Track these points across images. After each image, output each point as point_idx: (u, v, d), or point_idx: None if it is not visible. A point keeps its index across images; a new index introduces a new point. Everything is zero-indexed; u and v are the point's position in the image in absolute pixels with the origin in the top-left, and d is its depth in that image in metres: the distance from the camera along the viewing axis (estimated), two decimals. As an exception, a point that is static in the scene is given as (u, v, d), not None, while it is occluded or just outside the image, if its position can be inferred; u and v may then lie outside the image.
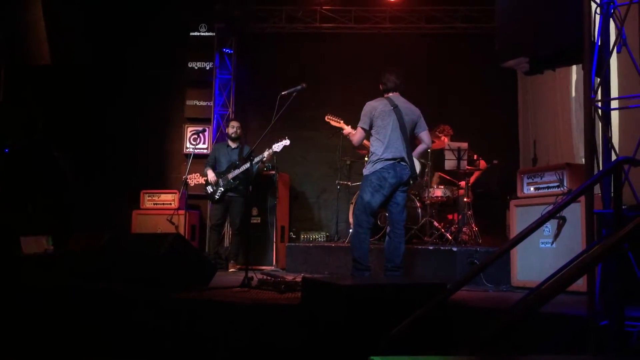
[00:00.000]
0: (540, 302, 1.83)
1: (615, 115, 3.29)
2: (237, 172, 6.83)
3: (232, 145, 7.16)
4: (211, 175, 6.98)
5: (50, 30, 6.34)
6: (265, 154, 6.70)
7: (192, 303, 3.89)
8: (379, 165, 4.98)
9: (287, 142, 6.73)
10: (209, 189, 6.96)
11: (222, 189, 6.89)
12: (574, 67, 6.27)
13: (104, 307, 3.98)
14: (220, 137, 8.90)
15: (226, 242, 7.85)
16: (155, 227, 7.78)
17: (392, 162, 4.97)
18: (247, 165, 6.70)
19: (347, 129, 5.64)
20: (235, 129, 7.17)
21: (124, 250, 4.86)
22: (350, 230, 5.43)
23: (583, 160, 6.92)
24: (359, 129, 5.15)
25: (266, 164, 7.28)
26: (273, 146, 6.65)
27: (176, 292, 4.15)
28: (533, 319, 3.10)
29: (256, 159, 6.64)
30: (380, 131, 5.04)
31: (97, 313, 3.96)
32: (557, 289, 1.77)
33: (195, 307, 3.84)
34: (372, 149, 5.10)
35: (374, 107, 5.10)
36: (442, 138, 7.23)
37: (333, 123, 6.02)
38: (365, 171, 5.10)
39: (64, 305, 4.12)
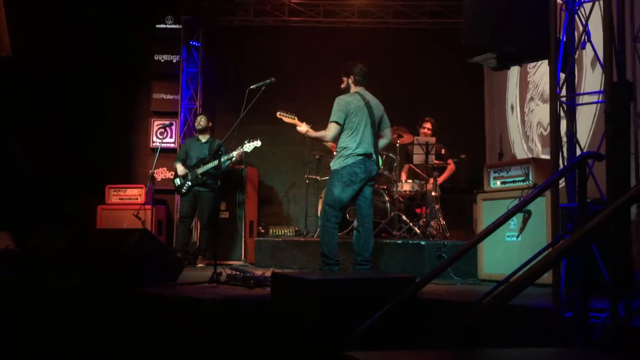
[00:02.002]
0: (509, 295, 1.85)
1: (580, 111, 3.35)
2: (205, 167, 6.76)
3: (203, 139, 7.09)
4: (180, 168, 6.92)
5: (11, 22, 6.16)
6: (235, 153, 6.63)
7: (159, 299, 3.84)
8: (350, 160, 4.97)
9: (258, 143, 6.68)
10: (177, 181, 6.92)
11: (190, 183, 6.83)
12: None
13: (66, 304, 3.90)
14: (187, 131, 8.81)
15: (195, 237, 7.78)
16: (121, 223, 7.66)
17: (362, 157, 4.98)
18: (216, 162, 6.65)
19: (303, 127, 5.41)
20: (198, 121, 7.10)
21: (89, 246, 4.76)
22: (319, 225, 5.42)
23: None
24: (333, 124, 5.05)
25: (234, 162, 7.17)
26: (244, 146, 6.55)
27: (142, 288, 4.09)
28: (500, 312, 3.14)
29: (224, 157, 6.58)
30: (353, 127, 5.02)
31: (60, 310, 3.88)
32: (525, 281, 1.80)
33: (162, 303, 3.79)
34: (342, 144, 5.06)
35: (349, 102, 5.07)
36: (425, 130, 7.22)
37: (286, 119, 5.77)
38: (335, 165, 5.08)
39: (25, 302, 4.03)
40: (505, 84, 8.05)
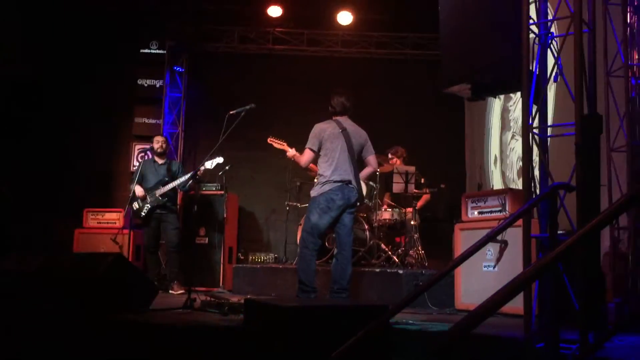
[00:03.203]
0: (473, 323, 1.84)
1: (551, 143, 3.40)
2: (165, 188, 6.63)
3: (160, 161, 6.92)
4: (139, 190, 6.65)
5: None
6: (200, 169, 6.46)
7: (129, 325, 3.77)
8: (327, 187, 4.99)
9: (220, 159, 6.57)
10: (135, 205, 6.68)
11: (149, 206, 6.65)
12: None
13: (35, 327, 3.82)
14: (169, 155, 8.77)
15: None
16: (99, 247, 7.54)
17: (340, 184, 4.99)
18: (177, 182, 6.57)
19: (291, 152, 5.51)
20: (160, 144, 6.91)
21: (61, 270, 4.68)
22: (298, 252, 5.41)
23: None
24: (307, 150, 5.14)
25: (200, 182, 7.02)
26: (205, 163, 6.41)
27: (113, 313, 4.02)
28: (472, 341, 3.13)
29: (187, 176, 6.44)
30: (328, 153, 5.06)
31: (28, 333, 3.80)
32: (489, 309, 1.79)
33: (132, 329, 3.72)
34: (320, 171, 5.10)
35: (323, 129, 5.12)
36: (394, 160, 7.31)
37: (276, 145, 5.92)
38: (313, 193, 5.10)
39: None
40: (485, 116, 8.17)
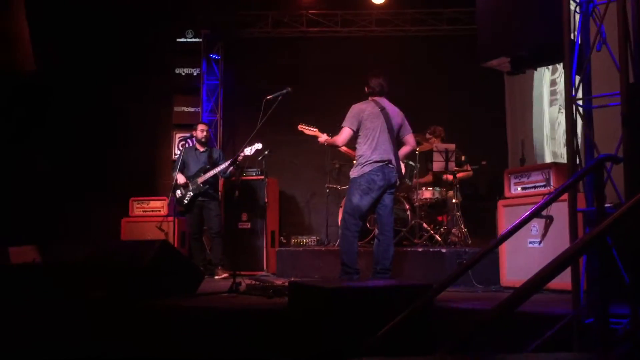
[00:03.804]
0: (519, 300, 1.82)
1: (596, 114, 3.30)
2: (207, 176, 6.73)
3: (201, 149, 7.04)
4: (181, 177, 6.80)
5: (35, 37, 6.31)
6: (240, 156, 6.51)
7: (177, 309, 3.86)
8: (367, 168, 4.96)
9: (259, 145, 6.62)
10: (178, 192, 6.83)
11: (192, 193, 6.78)
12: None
13: (88, 317, 3.94)
14: (209, 143, 8.87)
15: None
16: (145, 235, 7.72)
17: (380, 164, 4.97)
18: (218, 169, 6.67)
19: (323, 137, 5.46)
20: (204, 132, 7.05)
21: (109, 258, 4.82)
22: (339, 234, 5.40)
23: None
24: (345, 129, 5.07)
25: (240, 168, 7.10)
26: (245, 150, 6.47)
27: (162, 299, 4.12)
28: (520, 317, 3.09)
29: (227, 162, 6.50)
30: (368, 133, 5.03)
31: (83, 323, 3.92)
32: (535, 285, 1.77)
33: (181, 313, 3.81)
34: (359, 152, 5.07)
35: (362, 109, 5.09)
36: (432, 140, 7.23)
37: (307, 132, 5.77)
38: (353, 174, 5.08)
39: (49, 316, 4.07)
40: (528, 90, 7.97)
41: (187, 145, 7.20)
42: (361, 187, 4.95)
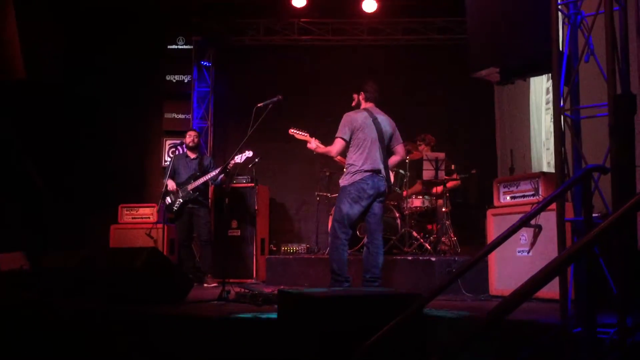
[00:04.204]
0: (508, 309, 1.83)
1: (584, 124, 3.33)
2: (197, 183, 6.73)
3: (192, 155, 7.04)
4: (171, 184, 6.81)
5: (25, 45, 6.28)
6: (230, 163, 6.51)
7: (166, 318, 3.84)
8: (357, 177, 4.98)
9: (250, 153, 6.65)
10: (168, 199, 6.84)
11: (181, 200, 6.78)
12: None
13: (76, 325, 3.91)
14: (200, 150, 8.86)
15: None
16: (134, 242, 7.67)
17: (370, 173, 4.98)
18: (208, 176, 6.68)
19: (313, 143, 5.40)
20: (192, 138, 7.02)
21: (99, 266, 4.79)
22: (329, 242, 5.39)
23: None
24: (338, 139, 5.09)
25: (230, 176, 7.14)
26: (235, 157, 6.46)
27: (150, 306, 4.10)
28: (508, 327, 3.10)
29: (217, 170, 6.50)
30: (360, 143, 5.04)
31: (69, 331, 3.89)
32: (524, 294, 1.77)
33: (169, 321, 3.79)
34: (350, 160, 5.08)
35: (354, 118, 5.10)
36: (422, 147, 7.26)
37: (297, 136, 5.72)
38: (343, 182, 5.09)
39: (37, 323, 4.04)
40: (518, 99, 8.01)
41: (177, 152, 7.19)
42: (351, 196, 4.96)
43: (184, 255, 7.03)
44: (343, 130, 5.08)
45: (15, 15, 6.18)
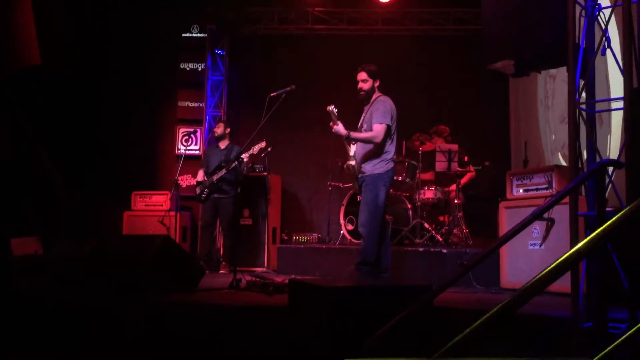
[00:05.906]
0: (519, 302, 1.83)
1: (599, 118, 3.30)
2: (220, 174, 6.81)
3: (222, 146, 7.16)
4: (200, 175, 7.06)
5: (40, 32, 6.30)
6: (244, 156, 6.55)
7: (177, 305, 3.88)
8: (391, 165, 5.00)
9: (263, 144, 6.68)
10: (197, 189, 7.05)
11: (207, 190, 6.92)
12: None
13: (88, 313, 3.96)
14: (212, 138, 8.89)
15: (218, 244, 7.82)
16: (147, 229, 7.75)
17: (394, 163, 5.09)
18: (223, 172, 6.77)
19: (337, 127, 4.96)
20: (218, 129, 7.23)
21: (111, 254, 4.83)
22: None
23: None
24: (384, 126, 4.85)
25: (252, 166, 7.25)
26: (253, 148, 6.49)
27: (162, 295, 4.14)
28: (518, 320, 3.10)
29: (234, 163, 6.58)
30: (394, 132, 5.03)
31: (81, 318, 3.94)
32: (535, 288, 1.77)
33: (180, 309, 3.82)
34: (385, 148, 4.95)
35: (393, 107, 5.01)
36: (434, 139, 7.23)
37: (333, 116, 5.05)
38: (378, 169, 4.91)
39: (49, 310, 4.09)
40: (533, 91, 7.95)
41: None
42: (387, 184, 4.95)
43: (203, 240, 7.15)
44: (387, 117, 4.89)
45: (32, 2, 6.20)
